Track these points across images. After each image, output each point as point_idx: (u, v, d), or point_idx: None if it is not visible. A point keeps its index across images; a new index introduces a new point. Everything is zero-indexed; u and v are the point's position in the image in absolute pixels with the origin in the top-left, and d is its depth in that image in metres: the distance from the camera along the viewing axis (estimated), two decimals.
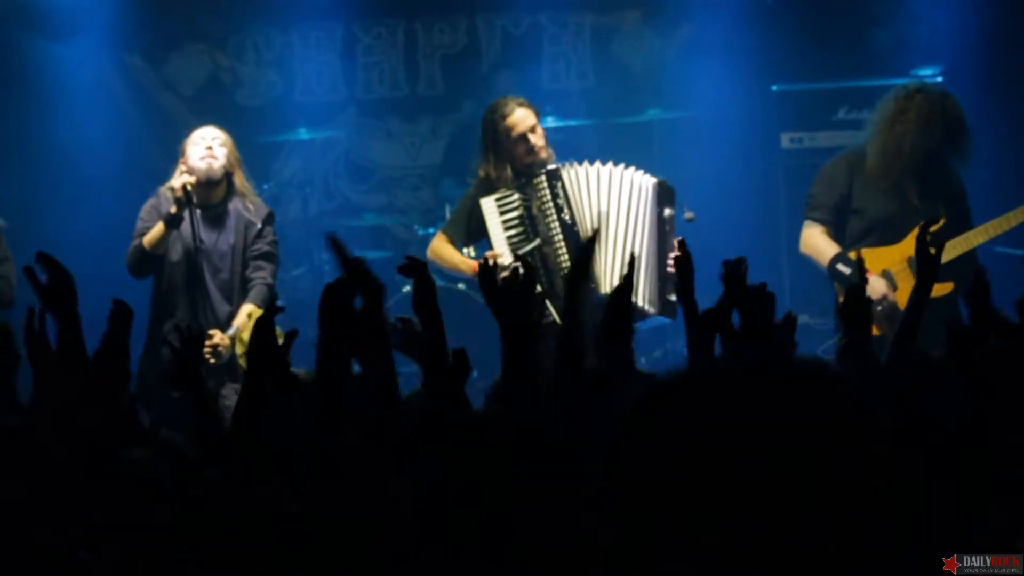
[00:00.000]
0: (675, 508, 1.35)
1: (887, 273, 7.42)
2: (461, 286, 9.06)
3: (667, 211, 7.05)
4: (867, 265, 7.33)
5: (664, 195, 7.07)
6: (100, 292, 9.39)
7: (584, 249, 4.61)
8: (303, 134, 10.29)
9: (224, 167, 7.22)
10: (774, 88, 9.52)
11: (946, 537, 2.96)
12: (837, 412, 1.38)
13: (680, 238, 4.33)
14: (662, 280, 6.98)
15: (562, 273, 6.92)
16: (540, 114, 7.21)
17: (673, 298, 7.00)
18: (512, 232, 7.02)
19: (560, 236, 7.00)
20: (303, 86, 10.69)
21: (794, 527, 1.33)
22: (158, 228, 7.10)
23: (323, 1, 10.38)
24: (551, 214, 6.99)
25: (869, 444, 1.37)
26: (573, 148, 8.56)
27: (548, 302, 6.86)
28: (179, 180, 7.07)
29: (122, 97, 10.38)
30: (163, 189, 7.26)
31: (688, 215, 7.08)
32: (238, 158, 7.35)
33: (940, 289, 7.27)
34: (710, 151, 9.75)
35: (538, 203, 7.01)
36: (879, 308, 7.13)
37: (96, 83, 10.20)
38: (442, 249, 7.24)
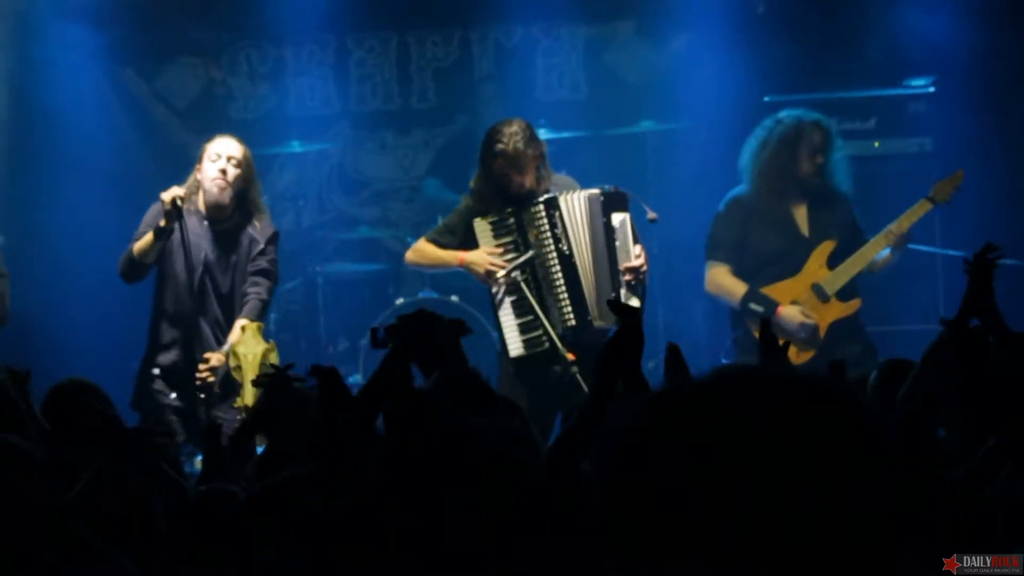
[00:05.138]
0: (676, 515, 1.35)
1: (796, 304, 7.56)
2: (454, 298, 9.06)
3: (616, 217, 6.97)
4: (776, 298, 7.57)
5: (611, 203, 7.00)
6: (96, 302, 9.42)
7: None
8: (296, 147, 10.29)
9: (234, 192, 7.23)
10: (767, 99, 9.51)
11: (946, 537, 2.96)
12: (836, 419, 1.37)
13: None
14: (616, 289, 6.92)
15: (557, 303, 6.89)
16: (536, 137, 7.12)
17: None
18: (507, 257, 6.99)
19: (557, 266, 6.96)
20: (296, 99, 10.68)
21: (795, 533, 1.32)
22: (147, 238, 7.13)
23: (316, 14, 10.37)
24: (548, 244, 6.96)
25: (868, 450, 1.36)
26: (566, 160, 8.57)
27: (543, 323, 6.81)
28: (168, 193, 7.08)
29: (115, 110, 10.37)
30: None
31: (651, 216, 7.05)
32: (253, 174, 7.37)
33: (847, 309, 7.52)
34: (703, 162, 9.75)
35: (535, 232, 6.96)
36: (801, 335, 7.39)
37: (90, 95, 10.19)
38: (426, 248, 7.20)
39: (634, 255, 6.95)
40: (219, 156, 7.24)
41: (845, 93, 9.51)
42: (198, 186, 7.30)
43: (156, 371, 7.26)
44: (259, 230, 7.35)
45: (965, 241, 7.82)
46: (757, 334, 7.03)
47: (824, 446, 1.35)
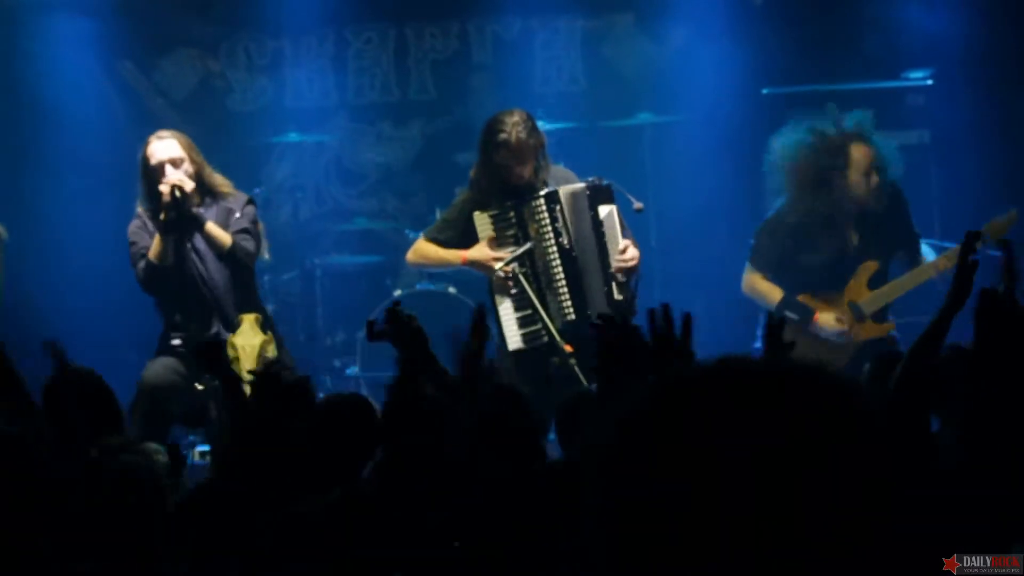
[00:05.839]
0: (675, 508, 1.34)
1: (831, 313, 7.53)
2: (452, 289, 9.06)
3: (603, 210, 6.94)
4: (813, 307, 7.51)
5: (596, 195, 6.96)
6: (94, 293, 9.40)
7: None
8: (294, 139, 10.29)
9: (192, 189, 7.19)
10: (764, 91, 9.53)
11: (946, 537, 2.95)
12: (837, 412, 1.37)
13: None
14: (607, 283, 6.91)
15: (557, 297, 6.87)
16: (536, 127, 7.11)
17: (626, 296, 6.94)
18: (507, 250, 6.96)
19: (557, 260, 6.93)
20: (294, 91, 10.67)
21: (794, 529, 1.32)
22: (157, 240, 7.12)
23: (314, 7, 10.37)
24: (549, 238, 6.93)
25: (869, 445, 1.36)
26: (564, 152, 8.56)
27: (542, 316, 6.79)
28: (165, 185, 7.06)
29: (113, 102, 10.37)
30: (141, 210, 7.26)
31: (636, 206, 7.01)
32: (199, 159, 7.30)
33: (880, 330, 7.46)
34: (701, 154, 9.75)
35: (535, 226, 6.92)
36: (839, 340, 7.38)
37: (88, 88, 10.19)
38: (427, 248, 7.16)
39: (620, 248, 6.91)
40: (158, 169, 7.17)
41: (843, 85, 9.51)
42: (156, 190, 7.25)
43: (177, 341, 7.24)
44: (233, 200, 7.34)
45: (963, 233, 7.82)
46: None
47: (822, 440, 1.35)
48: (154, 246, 7.14)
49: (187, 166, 7.18)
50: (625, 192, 7.09)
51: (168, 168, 7.14)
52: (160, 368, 7.09)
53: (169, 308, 7.28)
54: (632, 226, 7.15)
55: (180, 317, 7.25)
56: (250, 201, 7.43)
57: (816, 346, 7.39)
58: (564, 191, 6.97)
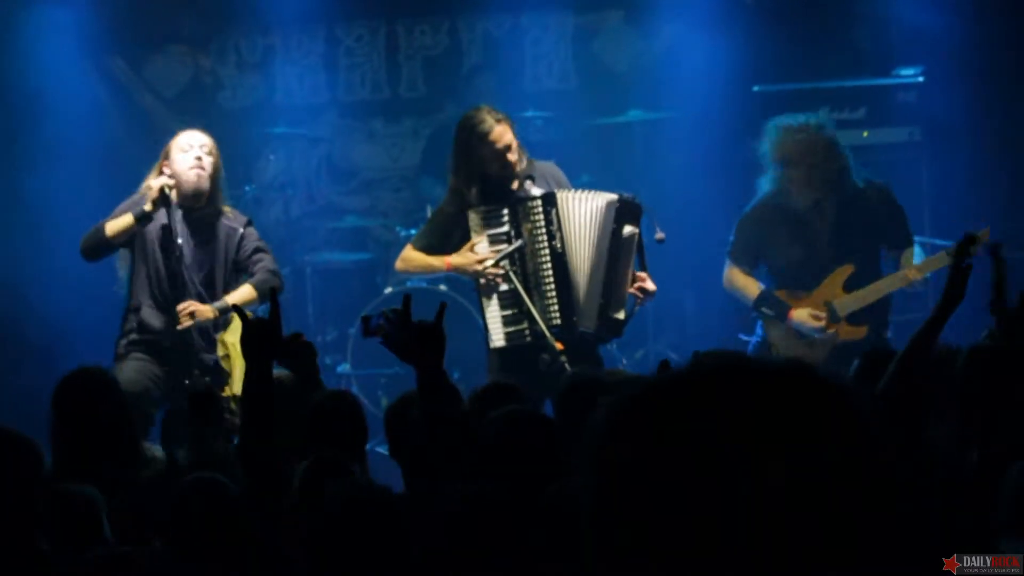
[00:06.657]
0: (659, 509, 1.34)
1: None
2: (442, 287, 9.05)
3: (627, 228, 6.86)
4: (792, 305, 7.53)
5: (625, 212, 6.88)
6: (83, 288, 9.40)
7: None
8: (285, 136, 10.28)
9: (211, 178, 7.17)
10: (755, 89, 9.52)
11: (944, 537, 2.96)
12: (827, 411, 1.36)
13: None
14: (606, 298, 6.84)
15: (544, 300, 6.83)
16: (518, 121, 7.07)
17: (620, 316, 6.88)
18: (498, 248, 6.91)
19: (548, 263, 6.89)
20: (285, 88, 10.67)
21: (785, 529, 1.32)
22: (125, 219, 7.01)
23: (305, 3, 10.36)
24: (542, 240, 6.86)
25: (860, 443, 1.36)
26: (555, 149, 8.56)
27: (531, 313, 6.75)
28: (157, 181, 7.00)
29: (103, 99, 10.35)
30: (143, 188, 7.23)
31: (659, 236, 6.90)
32: (221, 163, 7.29)
33: (854, 333, 7.46)
34: (691, 152, 9.75)
35: (529, 227, 6.84)
36: (816, 336, 7.38)
37: (78, 84, 10.17)
38: (414, 257, 7.08)
39: (641, 275, 6.85)
40: (191, 146, 7.14)
41: (834, 83, 9.51)
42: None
43: (135, 337, 7.17)
44: (233, 219, 7.29)
45: (954, 231, 7.84)
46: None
47: (816, 437, 1.34)
48: (120, 221, 7.05)
49: (213, 158, 7.16)
50: (654, 218, 7.01)
51: (199, 151, 7.13)
52: (133, 374, 6.98)
53: (140, 304, 7.20)
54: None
55: (151, 315, 7.17)
56: (250, 221, 7.39)
57: (794, 341, 7.40)
58: (587, 196, 6.89)
